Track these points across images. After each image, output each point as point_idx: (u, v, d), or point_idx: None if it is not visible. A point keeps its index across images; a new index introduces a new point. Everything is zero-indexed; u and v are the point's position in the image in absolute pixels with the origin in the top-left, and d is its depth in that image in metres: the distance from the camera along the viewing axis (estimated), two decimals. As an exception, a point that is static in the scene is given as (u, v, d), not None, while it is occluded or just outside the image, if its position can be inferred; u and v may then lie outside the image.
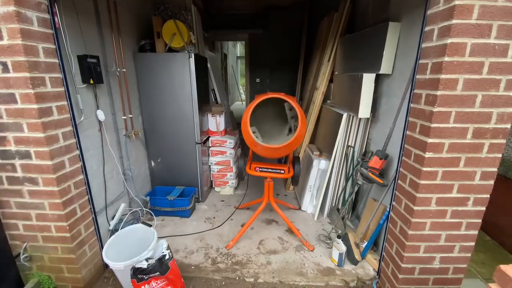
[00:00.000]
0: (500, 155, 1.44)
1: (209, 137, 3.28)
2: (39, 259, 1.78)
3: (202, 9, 4.17)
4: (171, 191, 2.93)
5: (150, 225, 2.02)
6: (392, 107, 2.05)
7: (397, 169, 1.72)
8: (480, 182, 1.49)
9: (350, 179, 2.60)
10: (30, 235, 1.72)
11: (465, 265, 1.67)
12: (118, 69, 2.34)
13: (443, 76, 1.32)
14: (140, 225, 2.05)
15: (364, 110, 2.24)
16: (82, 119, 1.87)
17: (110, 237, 1.93)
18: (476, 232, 1.59)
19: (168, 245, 1.76)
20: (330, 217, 2.80)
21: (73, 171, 1.71)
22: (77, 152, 1.75)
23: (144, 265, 1.59)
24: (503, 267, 0.88)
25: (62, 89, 1.61)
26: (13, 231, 1.71)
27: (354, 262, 2.12)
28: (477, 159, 1.45)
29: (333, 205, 2.79)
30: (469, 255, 1.64)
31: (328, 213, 2.82)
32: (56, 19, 1.54)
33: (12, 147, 1.53)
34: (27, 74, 1.38)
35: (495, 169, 1.46)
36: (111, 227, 2.22)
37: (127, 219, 2.48)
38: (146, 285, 1.59)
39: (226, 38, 6.96)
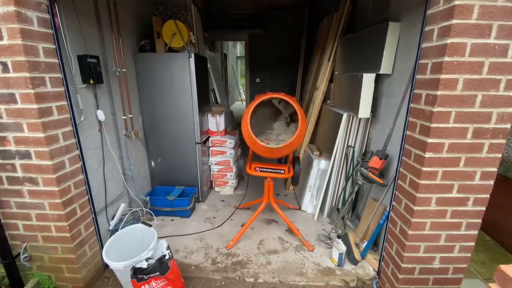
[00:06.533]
0: (500, 155, 1.44)
1: (209, 137, 3.28)
2: (39, 259, 1.78)
3: (202, 9, 4.17)
4: (171, 191, 2.93)
5: (150, 225, 2.02)
6: (392, 107, 2.05)
7: (397, 169, 1.72)
8: (480, 182, 1.49)
9: (350, 179, 2.60)
10: (30, 235, 1.72)
11: (465, 265, 1.67)
12: (118, 69, 2.34)
13: (443, 76, 1.32)
14: (140, 225, 2.05)
15: (364, 110, 2.24)
16: (82, 119, 1.87)
17: (110, 237, 1.93)
18: (476, 232, 1.59)
19: (168, 245, 1.76)
20: (330, 217, 2.80)
21: (73, 171, 1.71)
22: (77, 152, 1.75)
23: (144, 265, 1.59)
24: (503, 267, 0.88)
25: (62, 89, 1.61)
26: (13, 231, 1.71)
27: (354, 262, 2.12)
28: (477, 159, 1.45)
29: (333, 205, 2.79)
30: (469, 255, 1.64)
31: (328, 213, 2.82)
32: (56, 19, 1.54)
33: (12, 147, 1.53)
34: (27, 74, 1.38)
35: (495, 169, 1.46)
36: (111, 227, 2.22)
37: (127, 219, 2.48)
38: (146, 285, 1.59)
39: (226, 38, 6.95)
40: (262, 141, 2.04)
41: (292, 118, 2.41)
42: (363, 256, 2.16)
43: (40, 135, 1.49)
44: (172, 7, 3.03)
